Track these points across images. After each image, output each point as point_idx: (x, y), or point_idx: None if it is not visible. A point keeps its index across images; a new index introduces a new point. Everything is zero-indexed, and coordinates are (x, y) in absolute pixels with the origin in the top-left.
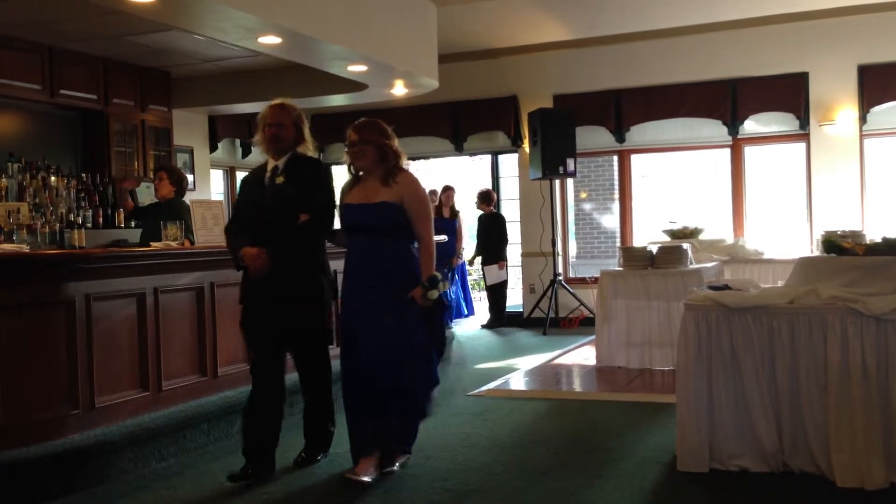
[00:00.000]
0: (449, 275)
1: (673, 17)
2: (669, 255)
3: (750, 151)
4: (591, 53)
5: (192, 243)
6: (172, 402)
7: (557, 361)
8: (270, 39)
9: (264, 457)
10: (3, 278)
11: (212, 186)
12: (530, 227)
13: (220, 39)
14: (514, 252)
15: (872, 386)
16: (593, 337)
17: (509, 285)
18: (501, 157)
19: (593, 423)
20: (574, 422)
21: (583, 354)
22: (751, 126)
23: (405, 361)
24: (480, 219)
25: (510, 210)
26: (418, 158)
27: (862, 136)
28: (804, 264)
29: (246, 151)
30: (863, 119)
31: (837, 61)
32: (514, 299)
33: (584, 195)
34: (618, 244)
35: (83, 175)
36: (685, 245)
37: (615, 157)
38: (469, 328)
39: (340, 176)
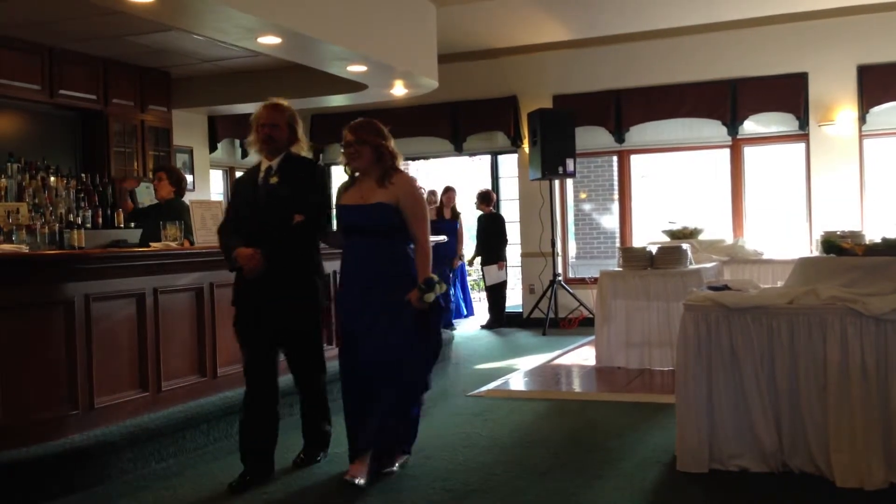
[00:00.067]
0: (451, 276)
1: (673, 17)
2: (669, 256)
3: (749, 152)
4: (591, 53)
5: (192, 244)
6: (172, 402)
7: (557, 362)
8: (270, 39)
9: (263, 458)
10: (3, 278)
11: (211, 187)
12: (530, 227)
13: (220, 39)
14: (513, 252)
15: (872, 386)
16: (593, 337)
17: (509, 286)
18: (501, 158)
19: (593, 423)
20: (574, 422)
21: (582, 355)
22: (750, 126)
23: (400, 363)
24: (480, 219)
25: (510, 210)
26: (418, 159)
27: (861, 137)
28: (804, 265)
29: (245, 152)
30: (862, 119)
31: (837, 61)
32: (514, 300)
33: (583, 195)
34: (617, 244)
35: (83, 175)
36: (685, 245)
37: (615, 158)
38: (469, 328)
39: (340, 177)
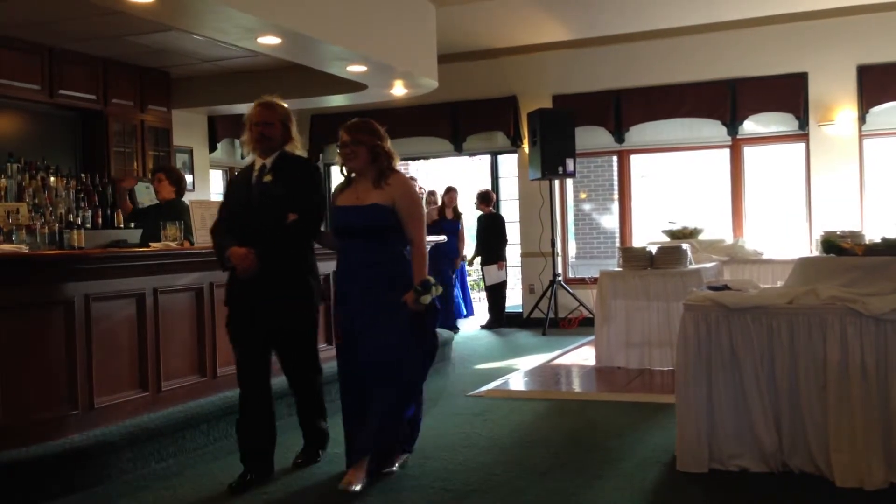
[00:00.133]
0: (454, 276)
1: (673, 17)
2: (669, 256)
3: (749, 152)
4: (591, 53)
5: (192, 244)
6: (172, 402)
7: (557, 362)
8: (270, 40)
9: (262, 459)
10: (3, 279)
11: (211, 187)
12: (530, 227)
13: (220, 40)
14: (513, 252)
15: (872, 386)
16: (593, 337)
17: (509, 286)
18: (501, 158)
19: (593, 423)
20: (574, 422)
21: (582, 355)
22: (750, 126)
23: (397, 363)
24: (480, 219)
25: (510, 210)
26: (418, 159)
27: (861, 137)
28: (803, 264)
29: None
30: (862, 119)
31: (837, 61)
32: (514, 300)
33: (583, 195)
34: (617, 244)
35: (82, 175)
36: (684, 245)
37: (615, 158)
38: (468, 328)
39: (340, 178)
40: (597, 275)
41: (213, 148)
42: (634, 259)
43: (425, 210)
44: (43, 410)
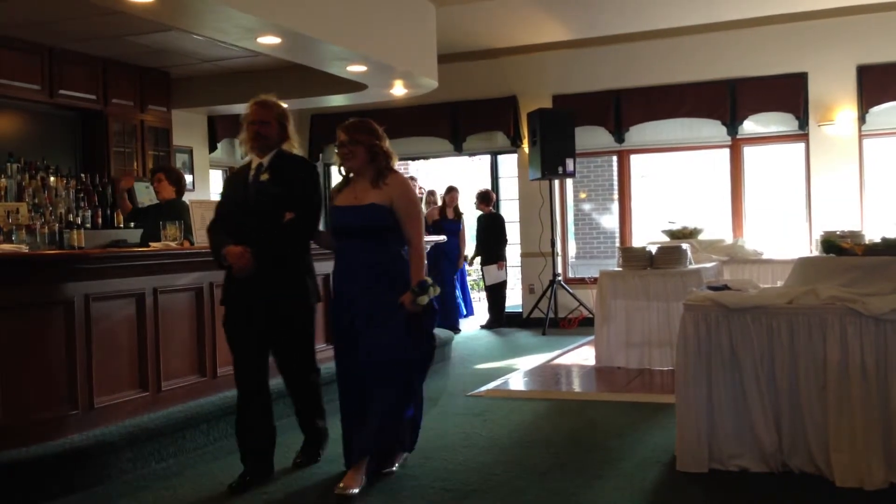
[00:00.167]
0: (458, 277)
1: (673, 17)
2: (669, 256)
3: (749, 152)
4: (591, 53)
5: (192, 244)
6: (172, 402)
7: (557, 362)
8: (270, 39)
9: (262, 459)
10: (3, 278)
11: (211, 187)
12: (529, 227)
13: (220, 39)
14: (513, 252)
15: (871, 386)
16: (592, 337)
17: (509, 285)
18: (501, 158)
19: (593, 423)
20: (573, 422)
21: (582, 355)
22: (750, 126)
23: (394, 364)
24: (479, 219)
25: (509, 210)
26: (418, 158)
27: (861, 137)
28: (803, 264)
29: None
30: (862, 119)
31: (837, 61)
32: (514, 299)
33: (583, 195)
34: (617, 244)
35: (82, 175)
36: (684, 245)
37: (614, 158)
38: (468, 328)
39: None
40: (597, 275)
41: (213, 148)
42: (634, 259)
43: (425, 210)
44: (43, 410)
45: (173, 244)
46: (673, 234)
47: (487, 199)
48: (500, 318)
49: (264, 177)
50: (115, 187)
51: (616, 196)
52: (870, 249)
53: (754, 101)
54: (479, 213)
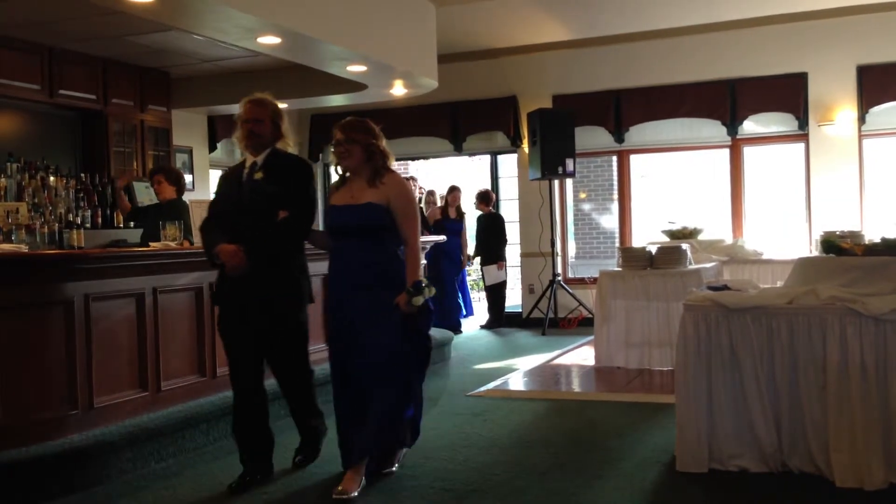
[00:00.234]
0: (458, 278)
1: (673, 17)
2: (668, 256)
3: (749, 152)
4: (591, 53)
5: (192, 244)
6: (171, 402)
7: (556, 362)
8: (270, 39)
9: (262, 459)
10: (3, 278)
11: (211, 187)
12: (529, 227)
13: (220, 39)
14: (513, 252)
15: (871, 386)
16: (592, 337)
17: (508, 286)
18: (501, 158)
19: (592, 423)
20: (573, 422)
21: (582, 355)
22: (750, 126)
23: (392, 364)
24: (479, 219)
25: (509, 210)
26: (418, 158)
27: (861, 137)
28: (803, 265)
29: None
30: (862, 119)
31: (837, 62)
32: (514, 300)
33: (583, 195)
34: (617, 244)
35: (82, 175)
36: (684, 245)
37: (614, 158)
38: (468, 328)
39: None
40: (596, 275)
41: (212, 148)
42: (634, 259)
43: (426, 210)
44: (43, 410)
45: (173, 244)
46: (673, 235)
47: (487, 199)
48: (499, 318)
49: (258, 175)
50: (114, 187)
51: (616, 196)
52: (870, 250)
53: (754, 101)
54: (479, 213)
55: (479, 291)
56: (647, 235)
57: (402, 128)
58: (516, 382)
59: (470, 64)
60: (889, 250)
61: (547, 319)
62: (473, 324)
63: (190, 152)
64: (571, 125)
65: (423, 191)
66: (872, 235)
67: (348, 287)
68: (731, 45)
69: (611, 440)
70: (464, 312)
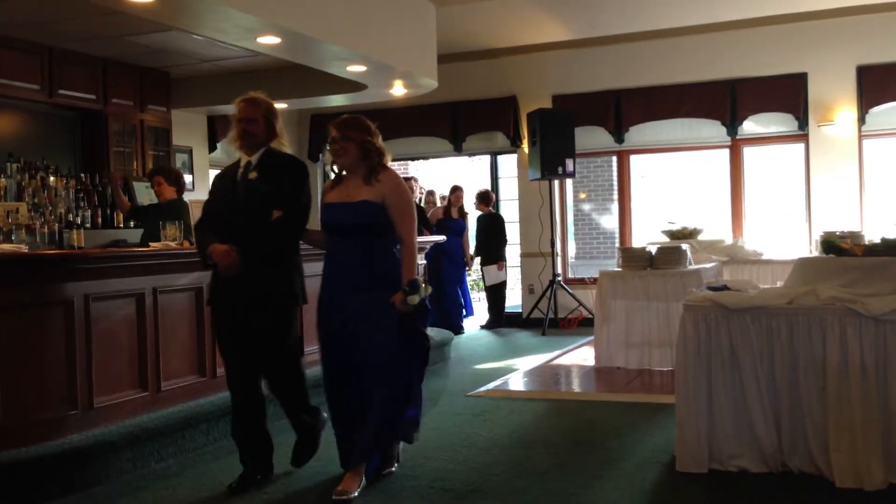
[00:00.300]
0: (462, 278)
1: (673, 17)
2: (668, 256)
3: (749, 152)
4: (591, 54)
5: (192, 244)
6: (171, 402)
7: (556, 362)
8: (270, 39)
9: (261, 460)
10: (3, 278)
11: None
12: (529, 227)
13: (220, 39)
14: (513, 252)
15: (871, 386)
16: (592, 337)
17: (508, 286)
18: (500, 158)
19: (592, 423)
20: (573, 422)
21: (582, 355)
22: (750, 126)
23: (390, 364)
24: (479, 219)
25: (509, 210)
26: (417, 159)
27: (861, 137)
28: (803, 265)
29: None
30: (862, 120)
31: (836, 62)
32: (514, 300)
33: (583, 196)
34: (617, 245)
35: (82, 175)
36: (684, 246)
37: (614, 158)
38: (468, 328)
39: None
40: (596, 275)
41: (212, 148)
42: (634, 259)
43: (427, 210)
44: (42, 410)
45: (173, 244)
46: (673, 235)
47: (487, 200)
48: (499, 319)
49: (253, 175)
50: (113, 186)
51: (616, 196)
52: (869, 250)
53: (754, 102)
54: (479, 213)
55: (479, 291)
56: (647, 236)
57: (402, 128)
58: (516, 382)
59: (470, 64)
60: (889, 250)
61: (547, 319)
62: (473, 324)
63: (190, 152)
64: (571, 125)
65: (422, 191)
66: (872, 236)
67: (349, 288)
68: (731, 45)
69: (611, 440)
70: (464, 313)
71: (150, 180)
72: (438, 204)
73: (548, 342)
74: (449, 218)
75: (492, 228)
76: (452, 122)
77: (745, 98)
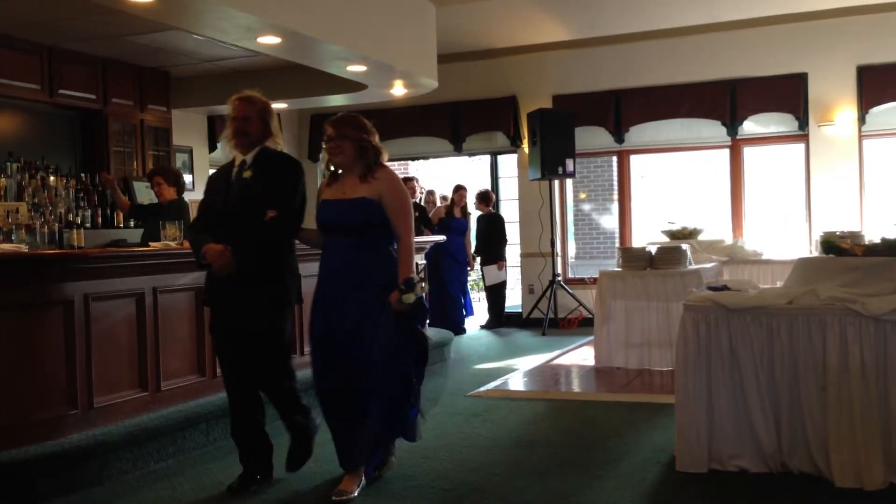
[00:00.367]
0: (464, 278)
1: (673, 18)
2: (668, 256)
3: (749, 152)
4: (591, 54)
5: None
6: (171, 402)
7: (556, 362)
8: (270, 39)
9: (261, 460)
10: (3, 278)
11: None
12: (529, 227)
13: (220, 39)
14: (513, 252)
15: (871, 386)
16: (592, 337)
17: (508, 286)
18: (500, 158)
19: (592, 423)
20: (573, 422)
21: (582, 355)
22: (750, 127)
23: (388, 364)
24: (479, 219)
25: (509, 210)
26: (417, 158)
27: (861, 137)
28: (803, 265)
29: None
30: (862, 120)
31: (836, 62)
32: (514, 300)
33: (583, 196)
34: (617, 245)
35: (82, 175)
36: (684, 246)
37: (614, 158)
38: (468, 328)
39: None
40: (596, 275)
41: (212, 148)
42: (634, 259)
43: (427, 210)
44: (42, 410)
45: (173, 244)
46: (673, 235)
47: (487, 200)
48: (499, 319)
49: (247, 174)
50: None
51: (616, 196)
52: (869, 250)
53: (754, 102)
54: (479, 213)
55: (479, 291)
56: (647, 236)
57: (402, 128)
58: (516, 382)
59: (470, 64)
60: (889, 250)
61: (547, 319)
62: (473, 324)
63: (190, 152)
64: (571, 125)
65: (423, 191)
66: (872, 236)
67: (345, 286)
68: (731, 46)
69: (610, 440)
70: (464, 313)
71: (149, 180)
72: (439, 203)
73: (548, 342)
74: (452, 217)
75: (492, 228)
76: (452, 122)
77: (745, 98)
